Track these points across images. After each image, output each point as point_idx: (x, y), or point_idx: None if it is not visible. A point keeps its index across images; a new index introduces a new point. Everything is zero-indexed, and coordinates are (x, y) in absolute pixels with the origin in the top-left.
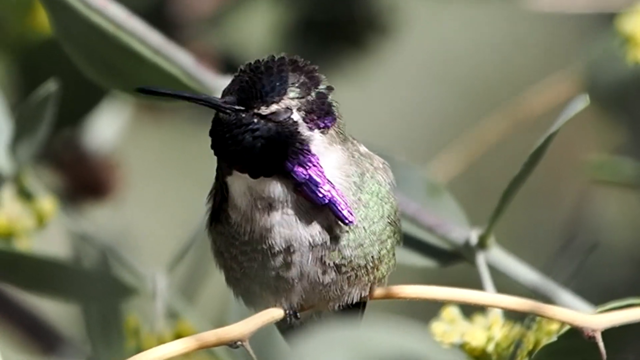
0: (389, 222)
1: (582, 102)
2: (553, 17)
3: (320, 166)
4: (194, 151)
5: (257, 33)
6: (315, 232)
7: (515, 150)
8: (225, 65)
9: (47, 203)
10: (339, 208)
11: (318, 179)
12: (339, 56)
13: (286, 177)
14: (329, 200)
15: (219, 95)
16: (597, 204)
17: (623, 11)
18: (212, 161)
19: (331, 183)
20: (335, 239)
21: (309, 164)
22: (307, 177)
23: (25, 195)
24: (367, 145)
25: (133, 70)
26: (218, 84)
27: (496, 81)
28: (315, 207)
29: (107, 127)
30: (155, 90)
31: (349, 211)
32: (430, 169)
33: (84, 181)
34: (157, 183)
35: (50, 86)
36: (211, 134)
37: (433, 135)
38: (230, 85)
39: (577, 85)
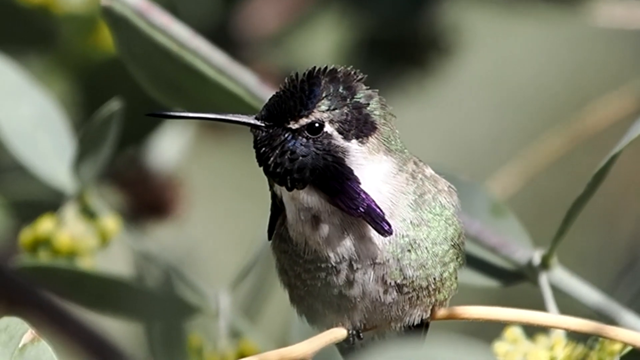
0: (452, 245)
1: None
2: (613, 34)
3: (355, 177)
4: (257, 170)
5: (320, 52)
6: (374, 247)
7: (574, 167)
8: None
9: (110, 222)
10: (375, 219)
11: (351, 191)
12: (402, 76)
13: (320, 189)
14: (364, 211)
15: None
16: None
17: None
18: None
19: (366, 194)
20: (396, 256)
21: (342, 176)
22: (340, 188)
23: (88, 214)
24: (432, 166)
25: (196, 90)
26: None
27: (556, 98)
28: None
29: (171, 146)
30: (169, 114)
31: (386, 222)
32: (490, 187)
33: (147, 200)
34: (220, 202)
35: (114, 105)
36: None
37: (494, 152)
38: (268, 100)
39: (638, 102)
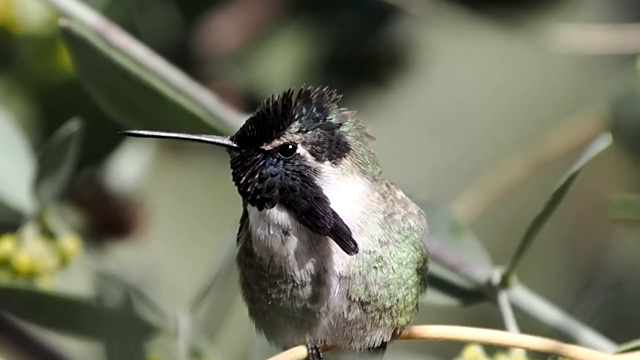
0: (417, 270)
1: (604, 142)
2: (573, 57)
3: (324, 196)
4: (217, 190)
5: (280, 71)
6: (341, 262)
7: (537, 190)
8: (248, 103)
9: (69, 242)
10: (341, 237)
11: (319, 209)
12: (361, 94)
13: (289, 207)
14: (330, 229)
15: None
16: (620, 243)
17: None
18: (234, 200)
19: (334, 212)
20: (362, 272)
21: (310, 194)
22: (307, 207)
23: (48, 234)
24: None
25: (155, 110)
26: (241, 122)
27: (518, 120)
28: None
29: (130, 166)
30: (143, 133)
31: (352, 240)
32: (452, 208)
33: (107, 220)
34: (180, 222)
35: (73, 125)
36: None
37: (456, 173)
38: (244, 123)
39: (599, 125)
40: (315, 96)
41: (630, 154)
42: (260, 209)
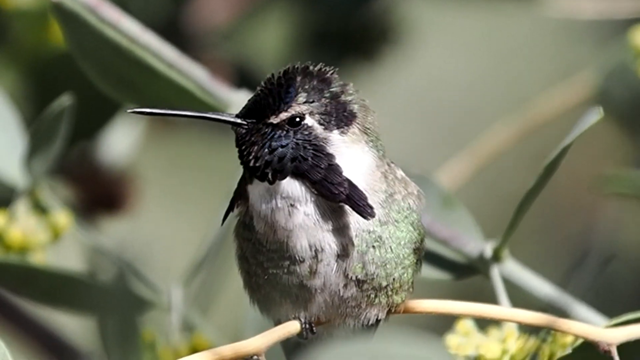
0: (414, 250)
1: (595, 115)
2: (565, 24)
3: (337, 164)
4: (207, 163)
5: (271, 45)
6: (341, 240)
7: (525, 157)
8: (240, 77)
9: (61, 217)
10: (358, 202)
11: (333, 177)
12: (352, 67)
13: (302, 177)
14: (346, 196)
15: (236, 109)
16: (612, 217)
17: (635, 21)
18: (225, 172)
19: (348, 179)
20: (360, 251)
21: (324, 162)
22: (322, 175)
23: (40, 209)
24: None
25: (147, 85)
26: (232, 97)
27: (507, 88)
28: (338, 208)
29: (122, 140)
30: (152, 111)
31: (369, 205)
32: (440, 177)
33: (99, 195)
34: (172, 196)
35: (65, 100)
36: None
37: (446, 144)
38: (248, 101)
39: (588, 93)
40: (315, 70)
41: (620, 127)
42: (271, 181)
